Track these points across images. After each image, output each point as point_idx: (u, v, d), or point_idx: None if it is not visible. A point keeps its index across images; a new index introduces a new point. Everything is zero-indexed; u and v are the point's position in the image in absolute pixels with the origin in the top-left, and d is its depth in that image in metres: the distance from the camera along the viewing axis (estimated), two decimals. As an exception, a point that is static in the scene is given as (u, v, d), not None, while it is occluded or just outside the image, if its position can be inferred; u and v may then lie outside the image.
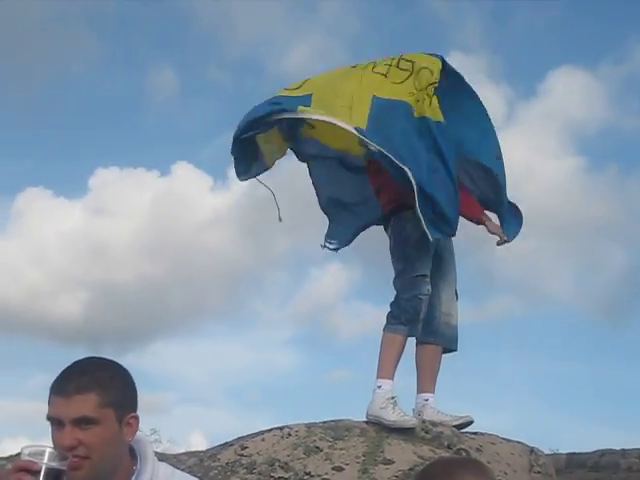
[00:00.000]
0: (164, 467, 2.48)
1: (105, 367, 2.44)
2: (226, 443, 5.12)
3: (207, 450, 5.23)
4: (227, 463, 4.89)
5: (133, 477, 2.41)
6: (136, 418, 2.44)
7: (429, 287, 5.16)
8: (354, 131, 4.93)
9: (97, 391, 2.35)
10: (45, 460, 2.20)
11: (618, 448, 10.03)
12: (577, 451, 9.80)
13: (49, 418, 2.36)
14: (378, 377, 5.13)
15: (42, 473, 2.18)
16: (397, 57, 5.25)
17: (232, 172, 5.30)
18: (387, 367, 5.13)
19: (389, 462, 4.68)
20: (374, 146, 4.92)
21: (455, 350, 5.45)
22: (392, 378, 5.13)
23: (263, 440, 5.01)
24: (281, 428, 5.08)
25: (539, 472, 5.02)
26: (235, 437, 5.17)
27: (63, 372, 2.41)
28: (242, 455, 4.93)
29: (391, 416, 4.99)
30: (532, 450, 5.17)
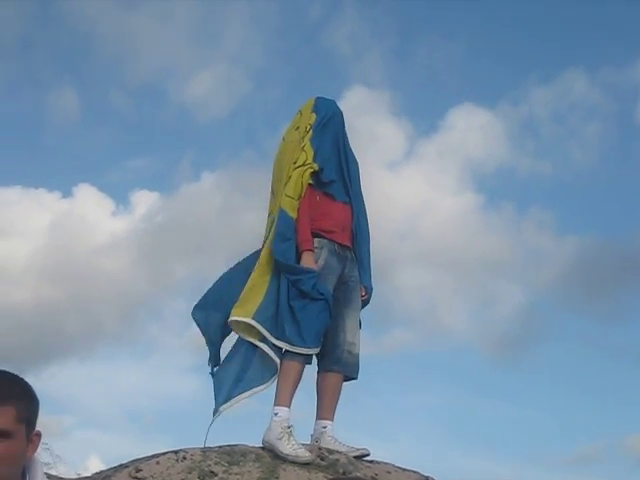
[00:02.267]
0: None
1: (18, 381, 2.40)
2: (120, 465, 5.07)
3: (101, 472, 5.16)
4: (120, 485, 4.84)
5: None
6: (39, 436, 2.41)
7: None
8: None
9: (15, 405, 2.33)
10: None
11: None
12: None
13: None
14: (275, 404, 5.15)
15: None
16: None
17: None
18: (284, 395, 5.15)
19: (283, 487, 4.69)
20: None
21: (356, 378, 5.49)
22: (289, 406, 5.15)
23: (158, 463, 4.96)
24: (176, 452, 5.04)
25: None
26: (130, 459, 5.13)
27: None
28: (136, 477, 4.87)
29: (286, 448, 4.99)
30: (427, 479, 5.22)
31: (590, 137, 19.51)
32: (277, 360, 5.18)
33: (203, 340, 5.43)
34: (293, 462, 4.92)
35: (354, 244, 5.51)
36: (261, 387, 5.23)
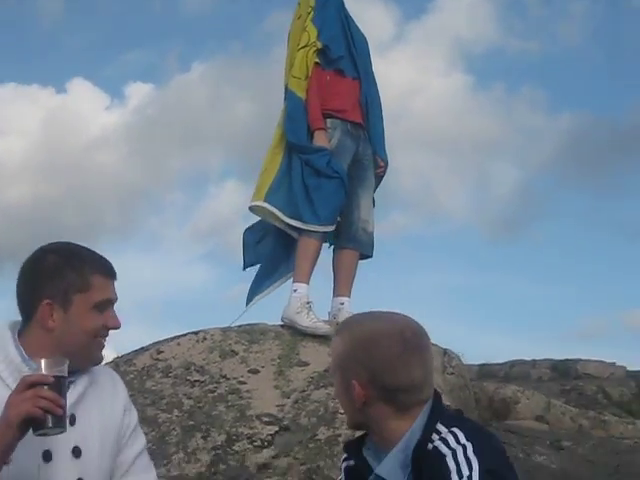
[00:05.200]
0: None
1: None
2: (142, 348, 5.12)
3: (122, 355, 5.22)
4: (143, 368, 4.90)
5: None
6: None
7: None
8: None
9: None
10: (50, 369, 2.12)
11: (529, 359, 10.33)
12: (488, 362, 10.05)
13: (107, 301, 2.34)
14: (294, 281, 5.18)
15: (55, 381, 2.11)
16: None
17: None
18: (303, 271, 5.18)
19: (304, 364, 4.74)
20: None
21: (371, 256, 5.51)
22: (307, 282, 5.18)
23: (179, 344, 5.02)
24: (196, 332, 5.09)
25: (452, 373, 5.12)
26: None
27: (99, 258, 2.37)
28: (158, 359, 4.94)
29: (304, 321, 5.04)
30: (445, 352, 5.27)
31: (578, 15, 19.20)
32: (295, 236, 5.22)
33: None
34: (312, 335, 4.98)
35: (366, 119, 5.45)
36: (290, 274, 5.30)
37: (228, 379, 4.69)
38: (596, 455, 4.65)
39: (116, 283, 2.37)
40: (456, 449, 2.12)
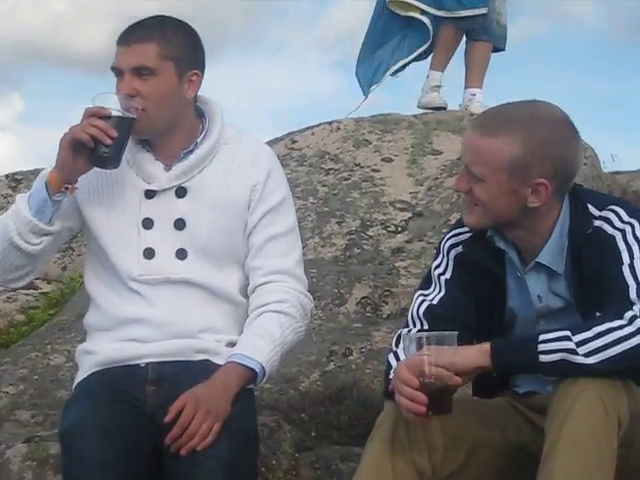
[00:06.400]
0: (231, 128, 2.52)
1: (171, 23, 2.45)
2: (276, 138, 5.21)
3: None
4: (278, 156, 4.94)
5: (200, 136, 2.47)
6: (198, 75, 2.45)
7: None
8: None
9: (158, 42, 2.38)
10: (115, 107, 2.29)
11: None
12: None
13: (112, 69, 2.40)
14: (430, 69, 5.29)
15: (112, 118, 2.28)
16: None
17: None
18: (438, 59, 5.27)
19: (437, 153, 4.76)
20: None
21: (503, 49, 5.44)
22: (442, 70, 5.27)
23: (313, 134, 5.08)
24: (330, 123, 5.14)
25: (585, 164, 5.03)
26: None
27: (129, 25, 2.43)
28: (292, 149, 5.02)
29: (424, 97, 5.27)
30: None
31: None
32: (431, 31, 5.21)
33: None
34: (428, 108, 5.24)
35: None
36: (411, 57, 5.31)
37: (362, 167, 4.75)
38: None
39: (136, 49, 2.37)
40: (624, 229, 2.12)
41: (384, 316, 3.79)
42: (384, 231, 4.36)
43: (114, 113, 2.28)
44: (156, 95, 2.36)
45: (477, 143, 2.16)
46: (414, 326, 2.26)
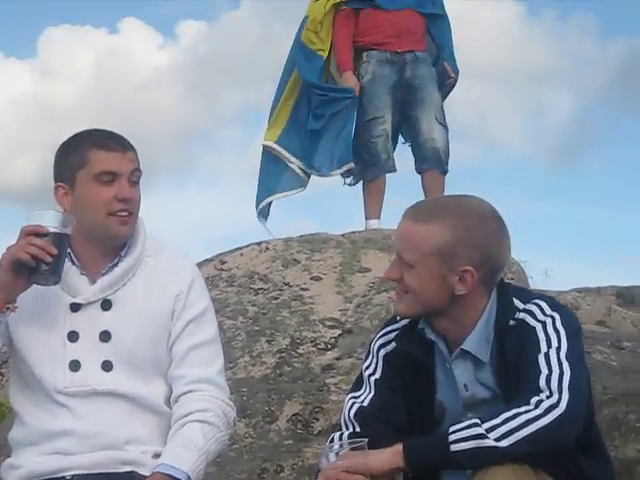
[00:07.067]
0: (153, 241, 2.53)
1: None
2: (206, 260, 5.22)
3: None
4: (207, 277, 4.98)
5: (124, 250, 2.47)
6: None
7: (383, 127, 5.36)
8: None
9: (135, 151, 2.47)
10: (51, 223, 2.27)
11: (593, 286, 10.17)
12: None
13: (108, 173, 2.38)
14: (366, 219, 5.47)
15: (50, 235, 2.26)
16: None
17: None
18: (372, 209, 5.47)
19: (365, 270, 4.82)
20: None
21: (447, 171, 5.52)
22: (379, 217, 5.45)
23: (242, 255, 5.12)
24: (259, 243, 5.19)
25: (512, 279, 5.13)
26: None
27: (100, 134, 2.45)
28: (222, 269, 5.04)
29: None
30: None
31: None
32: (305, 179, 5.62)
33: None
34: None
35: (434, 35, 5.54)
36: (292, 192, 5.69)
37: (291, 286, 4.78)
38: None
39: (130, 155, 2.42)
40: (545, 321, 2.16)
41: (315, 432, 3.77)
42: (314, 348, 4.37)
43: (51, 230, 2.27)
44: (139, 202, 2.46)
45: (409, 230, 2.21)
46: (346, 429, 2.25)
